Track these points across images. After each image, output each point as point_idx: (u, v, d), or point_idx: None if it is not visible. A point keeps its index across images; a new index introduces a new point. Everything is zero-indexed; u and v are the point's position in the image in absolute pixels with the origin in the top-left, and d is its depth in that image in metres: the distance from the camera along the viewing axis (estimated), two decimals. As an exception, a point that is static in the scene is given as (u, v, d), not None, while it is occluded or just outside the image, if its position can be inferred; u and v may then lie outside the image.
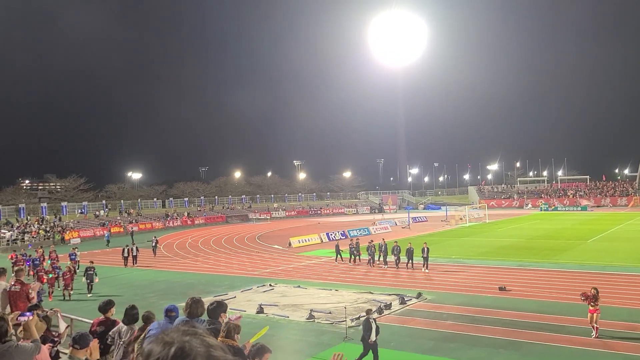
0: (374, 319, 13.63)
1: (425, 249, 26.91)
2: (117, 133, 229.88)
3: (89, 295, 23.11)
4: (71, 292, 23.16)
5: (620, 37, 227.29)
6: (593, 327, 14.89)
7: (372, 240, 30.70)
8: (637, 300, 19.24)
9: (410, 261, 27.62)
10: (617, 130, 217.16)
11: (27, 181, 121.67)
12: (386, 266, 28.53)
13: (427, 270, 26.51)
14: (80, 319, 14.15)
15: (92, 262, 24.62)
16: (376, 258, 29.20)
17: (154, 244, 37.01)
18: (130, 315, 8.28)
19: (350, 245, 30.56)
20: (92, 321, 9.42)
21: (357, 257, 30.15)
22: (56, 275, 24.63)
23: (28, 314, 5.72)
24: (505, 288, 21.64)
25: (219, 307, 6.47)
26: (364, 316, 13.74)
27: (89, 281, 23.48)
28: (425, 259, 26.86)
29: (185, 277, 27.96)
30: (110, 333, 8.27)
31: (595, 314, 14.84)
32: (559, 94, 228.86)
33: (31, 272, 26.99)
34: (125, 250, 31.70)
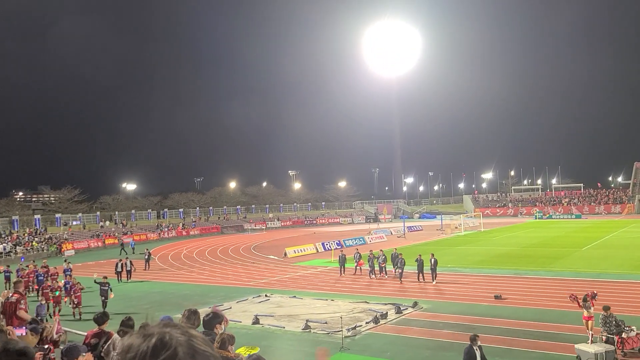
0: (479, 347, 11.50)
1: (433, 259, 25.80)
2: (111, 144, 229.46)
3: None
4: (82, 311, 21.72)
5: (614, 47, 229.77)
6: (592, 335, 14.92)
7: (371, 250, 29.71)
8: (633, 308, 19.29)
9: (420, 273, 26.28)
10: (610, 138, 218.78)
11: (20, 193, 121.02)
12: (386, 276, 27.91)
13: (434, 282, 25.51)
14: (77, 332, 14.07)
15: (105, 278, 23.26)
16: (376, 268, 28.16)
17: (146, 257, 36.20)
18: (127, 327, 8.23)
19: (369, 257, 28.68)
20: (86, 333, 9.37)
21: (378, 269, 28.34)
22: (67, 292, 22.92)
23: (23, 328, 5.69)
24: (501, 296, 21.67)
25: (215, 318, 6.45)
26: (356, 324, 13.47)
27: (103, 298, 22.03)
28: (433, 270, 25.76)
29: (181, 288, 27.82)
30: (105, 345, 8.22)
31: (590, 321, 14.88)
32: (553, 103, 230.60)
33: (35, 287, 25.94)
34: (119, 265, 30.84)
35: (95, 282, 23.17)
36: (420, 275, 26.32)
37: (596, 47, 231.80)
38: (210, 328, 6.28)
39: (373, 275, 28.22)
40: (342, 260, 29.64)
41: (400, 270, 26.71)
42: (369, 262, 28.42)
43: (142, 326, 1.21)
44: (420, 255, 26.65)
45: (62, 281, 24.59)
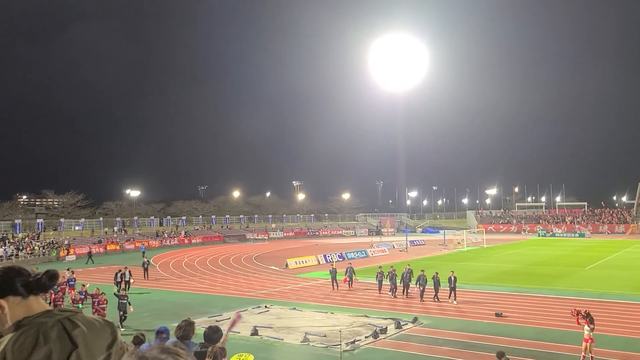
0: None
1: (453, 277, 24.56)
2: (116, 150, 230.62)
3: (121, 329, 19.64)
4: None
5: (620, 65, 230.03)
6: (584, 356, 14.79)
7: (392, 267, 27.83)
8: (634, 329, 19.13)
9: (436, 292, 24.85)
10: (615, 157, 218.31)
11: (24, 197, 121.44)
12: (406, 297, 26.03)
13: (455, 302, 24.23)
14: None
15: (125, 290, 22.29)
16: (399, 284, 26.46)
17: (145, 266, 34.94)
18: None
19: (389, 273, 26.87)
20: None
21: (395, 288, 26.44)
22: (84, 304, 21.11)
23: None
24: (502, 314, 21.52)
25: (216, 333, 6.47)
26: (356, 338, 13.26)
27: (121, 312, 20.48)
28: (453, 289, 24.52)
29: (181, 297, 27.75)
30: None
31: (589, 343, 14.75)
32: (559, 121, 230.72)
33: (51, 296, 23.29)
34: (118, 275, 29.33)
35: (114, 294, 22.00)
36: (436, 294, 24.85)
37: (603, 66, 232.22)
38: (212, 342, 6.28)
39: (396, 294, 26.30)
40: (334, 274, 28.91)
41: (422, 289, 25.21)
42: (390, 279, 26.57)
43: (135, 335, 1.21)
44: (437, 273, 25.30)
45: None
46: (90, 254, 48.20)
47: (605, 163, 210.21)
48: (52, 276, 1.68)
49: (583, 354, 14.77)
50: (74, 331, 1.47)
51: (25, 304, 1.60)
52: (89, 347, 1.47)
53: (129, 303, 20.96)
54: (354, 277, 28.91)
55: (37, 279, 1.64)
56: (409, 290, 26.42)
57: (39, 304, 1.61)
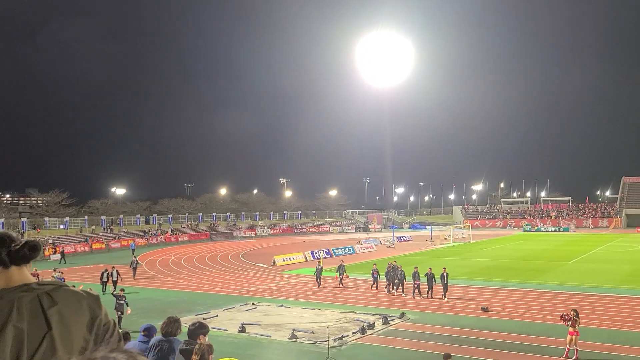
0: None
1: (445, 274, 24.48)
2: (101, 148, 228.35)
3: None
4: None
5: (603, 63, 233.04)
6: (569, 349, 14.98)
7: (390, 263, 27.39)
8: (617, 322, 19.42)
9: (430, 289, 24.72)
10: (599, 153, 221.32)
11: (7, 195, 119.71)
12: (404, 294, 25.61)
13: (446, 298, 24.17)
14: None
15: (122, 290, 21.84)
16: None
17: (134, 265, 34.03)
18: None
19: (387, 270, 26.58)
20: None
21: (394, 284, 26.15)
22: None
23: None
24: (488, 308, 21.71)
25: (200, 329, 6.43)
26: (343, 334, 13.28)
27: (119, 313, 19.92)
28: (445, 286, 24.41)
29: (168, 295, 27.59)
30: None
31: (574, 336, 14.93)
32: (543, 117, 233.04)
33: None
34: (105, 274, 29.06)
35: (112, 294, 21.66)
36: (430, 291, 24.77)
37: (585, 63, 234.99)
38: (194, 338, 6.25)
39: (394, 291, 26.14)
40: (319, 272, 28.72)
41: (416, 285, 25.01)
42: (386, 276, 26.35)
43: (122, 335, 1.16)
44: (430, 269, 25.06)
45: None
46: (63, 254, 47.23)
47: (589, 158, 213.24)
48: (32, 247, 1.59)
49: (568, 346, 14.96)
50: (49, 310, 1.36)
51: (6, 274, 1.51)
52: (67, 327, 1.36)
53: (127, 304, 20.46)
54: (344, 274, 28.81)
55: (17, 249, 1.55)
56: (401, 287, 26.19)
57: (21, 274, 1.52)
